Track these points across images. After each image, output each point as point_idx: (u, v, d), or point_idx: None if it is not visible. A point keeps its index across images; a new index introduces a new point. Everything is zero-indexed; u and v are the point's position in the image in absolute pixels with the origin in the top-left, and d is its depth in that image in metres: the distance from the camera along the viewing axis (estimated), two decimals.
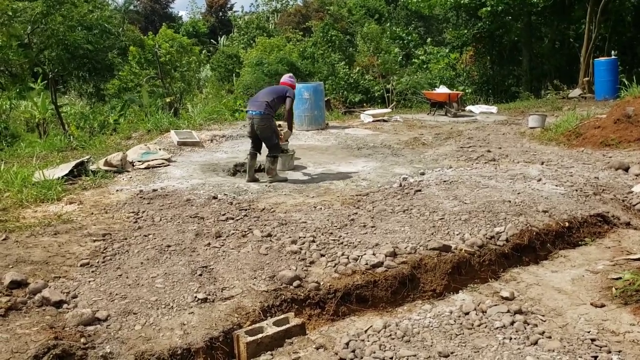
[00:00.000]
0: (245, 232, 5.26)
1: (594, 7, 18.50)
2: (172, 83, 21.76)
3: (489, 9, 19.96)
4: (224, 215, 5.77)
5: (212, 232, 5.20)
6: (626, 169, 7.58)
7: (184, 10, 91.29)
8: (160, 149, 9.19)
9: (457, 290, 4.50)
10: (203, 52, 28.78)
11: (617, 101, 12.54)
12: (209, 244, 4.96)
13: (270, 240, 5.02)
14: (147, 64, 22.71)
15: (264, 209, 6.04)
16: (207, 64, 31.82)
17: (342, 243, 4.96)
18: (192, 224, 5.50)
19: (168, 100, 18.59)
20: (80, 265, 4.50)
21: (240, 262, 4.56)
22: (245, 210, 5.98)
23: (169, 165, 8.44)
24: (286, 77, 8.06)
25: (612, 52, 17.52)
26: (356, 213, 5.87)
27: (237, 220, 5.63)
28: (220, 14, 51.80)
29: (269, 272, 4.35)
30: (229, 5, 52.60)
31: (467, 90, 20.57)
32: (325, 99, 15.05)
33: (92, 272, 4.40)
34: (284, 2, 46.80)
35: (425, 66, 23.10)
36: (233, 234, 5.22)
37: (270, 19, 43.63)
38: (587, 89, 17.66)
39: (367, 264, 4.50)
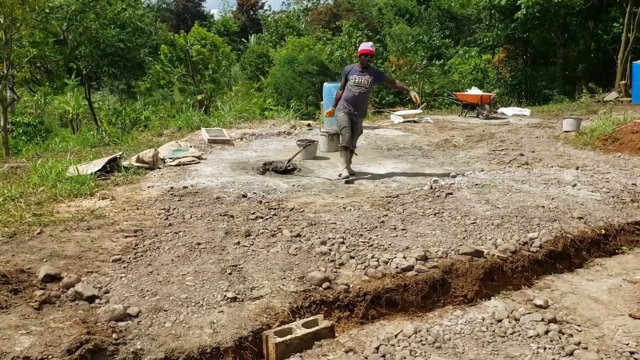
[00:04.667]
0: (274, 231, 5.25)
1: (633, 8, 18.05)
2: (203, 81, 21.98)
3: (524, 11, 19.57)
4: (253, 214, 5.77)
5: (242, 231, 5.20)
6: None
7: (215, 8, 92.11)
8: (191, 147, 9.27)
9: (488, 297, 4.40)
10: (233, 51, 28.98)
11: None
12: (239, 242, 4.96)
13: (300, 241, 5.00)
14: (179, 62, 22.98)
15: (293, 209, 6.02)
16: (237, 62, 32.04)
17: (372, 245, 4.91)
18: (222, 222, 5.51)
19: (199, 98, 18.77)
20: (112, 261, 4.54)
21: (270, 262, 4.55)
22: (275, 209, 5.97)
23: (199, 162, 8.49)
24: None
25: None
26: (386, 215, 5.81)
27: (267, 219, 5.63)
28: (252, 12, 52.08)
29: (298, 273, 4.33)
30: (260, 4, 52.87)
31: (496, 91, 20.29)
32: None
33: (124, 267, 4.44)
34: (315, 1, 46.82)
35: (448, 69, 22.86)
36: (262, 233, 5.21)
37: (301, 17, 43.70)
38: (624, 92, 17.27)
39: (397, 267, 4.45)
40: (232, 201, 6.30)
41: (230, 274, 4.31)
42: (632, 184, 7.01)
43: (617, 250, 5.38)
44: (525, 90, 21.67)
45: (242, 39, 43.58)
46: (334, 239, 5.01)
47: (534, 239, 5.11)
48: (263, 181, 7.36)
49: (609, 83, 19.43)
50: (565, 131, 11.04)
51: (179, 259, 4.61)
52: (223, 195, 6.54)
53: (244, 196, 6.50)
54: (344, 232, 5.21)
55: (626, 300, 4.26)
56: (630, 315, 3.98)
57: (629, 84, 17.05)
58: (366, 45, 7.80)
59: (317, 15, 42.55)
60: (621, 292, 4.42)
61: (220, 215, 5.75)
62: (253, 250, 4.79)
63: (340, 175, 7.67)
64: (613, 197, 6.43)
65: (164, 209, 5.98)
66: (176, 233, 5.20)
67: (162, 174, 7.72)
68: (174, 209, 5.98)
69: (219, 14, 54.13)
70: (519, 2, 19.78)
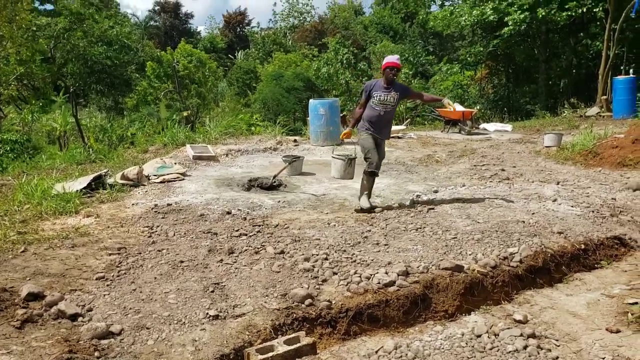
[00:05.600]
0: (258, 248, 5.29)
1: (612, 25, 18.44)
2: (189, 97, 22.06)
3: (511, 27, 19.91)
4: (237, 231, 5.81)
5: (225, 249, 5.24)
6: None
7: (202, 25, 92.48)
8: (175, 163, 9.30)
9: (469, 312, 4.47)
10: (219, 68, 29.12)
11: (635, 120, 12.47)
12: (222, 260, 4.99)
13: (283, 258, 5.04)
14: (166, 78, 23.04)
15: (277, 225, 6.07)
16: (224, 78, 32.15)
17: (355, 261, 4.96)
18: (205, 240, 5.55)
19: (185, 114, 18.81)
20: (96, 279, 4.56)
21: (253, 280, 4.58)
22: (259, 226, 6.01)
23: (184, 179, 8.53)
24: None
25: (630, 70, 17.40)
26: (369, 230, 5.88)
27: (251, 236, 5.67)
28: (238, 29, 52.47)
29: (281, 290, 4.37)
30: (246, 21, 53.28)
31: (478, 107, 20.56)
32: (341, 114, 15.13)
33: (107, 285, 4.45)
34: (301, 18, 47.36)
35: (431, 85, 23.16)
36: (246, 250, 5.25)
37: (287, 34, 44.10)
38: (605, 107, 17.54)
39: (379, 282, 4.49)
40: (216, 218, 6.34)
41: (212, 291, 4.34)
42: (612, 199, 7.13)
43: (596, 265, 5.46)
44: (508, 106, 21.98)
45: (229, 56, 43.84)
46: (317, 255, 5.06)
47: (514, 253, 5.17)
48: (248, 198, 7.41)
49: (590, 98, 19.73)
50: (547, 146, 11.21)
51: (162, 276, 4.63)
52: (207, 212, 6.58)
53: (228, 213, 6.54)
54: (328, 248, 5.26)
55: (604, 314, 4.34)
56: (607, 329, 4.06)
57: (610, 99, 17.34)
58: (392, 58, 6.86)
59: (303, 32, 42.96)
60: (599, 306, 4.50)
61: (204, 232, 5.79)
62: (236, 268, 4.82)
63: (360, 207, 6.77)
64: (593, 211, 6.53)
65: (147, 227, 6.01)
66: (159, 251, 5.23)
67: (146, 191, 7.74)
68: (158, 226, 6.01)
69: (206, 31, 54.66)
70: (506, 18, 20.16)
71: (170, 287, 4.40)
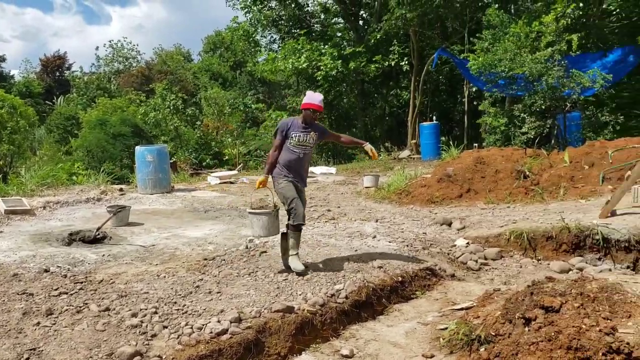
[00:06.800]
0: (80, 307, 4.95)
1: (417, 77, 20.78)
2: (1, 145, 20.09)
3: (323, 73, 21.56)
4: (56, 290, 5.38)
5: (43, 310, 4.82)
6: (449, 224, 8.39)
7: (16, 69, 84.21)
8: None
9: (300, 352, 4.61)
10: (32, 110, 26.96)
11: (440, 162, 14.01)
12: (39, 323, 4.58)
13: (109, 315, 4.77)
14: None
15: (102, 281, 5.73)
16: (41, 125, 29.82)
17: (186, 312, 4.87)
18: (20, 302, 5.05)
19: None
20: None
21: (74, 341, 4.27)
22: (81, 283, 5.63)
23: None
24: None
25: (434, 117, 19.67)
26: (202, 279, 5.81)
27: (72, 294, 5.28)
28: (57, 73, 49.18)
29: (107, 350, 4.13)
30: (66, 65, 50.18)
31: None
32: (171, 161, 14.87)
33: None
34: (126, 63, 46.01)
35: (262, 132, 24.03)
36: (66, 310, 4.88)
37: (112, 79, 42.41)
38: (415, 150, 19.54)
39: (211, 332, 4.46)
40: (32, 277, 5.81)
41: (27, 358, 3.97)
42: (423, 233, 7.90)
43: (412, 295, 5.96)
44: (332, 150, 23.36)
45: (47, 102, 40.86)
46: (146, 309, 4.88)
47: (340, 290, 5.45)
48: (69, 253, 6.90)
49: (402, 142, 21.85)
50: (366, 187, 12.10)
51: None
52: (21, 271, 6.01)
53: (46, 271, 6.03)
54: (157, 302, 5.10)
55: (420, 341, 4.75)
56: (423, 356, 4.44)
57: (419, 142, 19.36)
58: (314, 99, 6.08)
59: (129, 77, 41.66)
60: (416, 334, 4.92)
61: (18, 294, 5.27)
62: (55, 330, 4.46)
63: (293, 268, 5.95)
64: (407, 246, 7.17)
65: None
66: None
67: None
68: None
69: (21, 75, 50.25)
70: (319, 63, 21.72)
71: None
